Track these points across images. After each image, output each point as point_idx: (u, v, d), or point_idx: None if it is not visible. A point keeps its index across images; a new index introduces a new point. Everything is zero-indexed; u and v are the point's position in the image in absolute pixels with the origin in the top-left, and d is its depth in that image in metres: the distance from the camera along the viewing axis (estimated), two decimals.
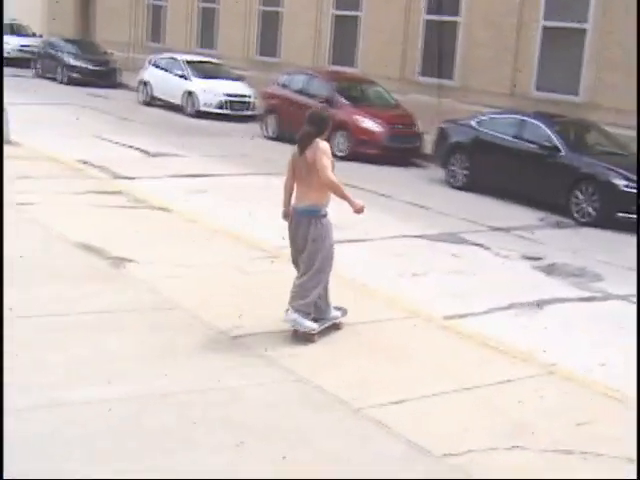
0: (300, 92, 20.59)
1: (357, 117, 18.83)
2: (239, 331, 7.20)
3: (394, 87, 21.78)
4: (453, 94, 21.49)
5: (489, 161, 16.12)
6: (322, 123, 7.17)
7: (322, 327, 7.30)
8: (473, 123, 16.80)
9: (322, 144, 7.08)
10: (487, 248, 11.71)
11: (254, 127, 21.82)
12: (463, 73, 21.52)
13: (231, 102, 23.86)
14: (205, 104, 23.79)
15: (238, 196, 13.47)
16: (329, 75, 21.49)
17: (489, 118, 16.80)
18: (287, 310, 7.23)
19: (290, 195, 7.36)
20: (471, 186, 16.20)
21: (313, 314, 7.23)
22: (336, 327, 7.55)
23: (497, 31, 20.50)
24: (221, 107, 23.79)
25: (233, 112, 23.84)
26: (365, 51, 24.25)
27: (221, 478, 4.84)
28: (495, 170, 15.96)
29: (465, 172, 16.41)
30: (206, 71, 25.11)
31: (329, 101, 19.24)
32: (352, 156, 17.71)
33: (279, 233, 11.04)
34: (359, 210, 7.16)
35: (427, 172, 18.30)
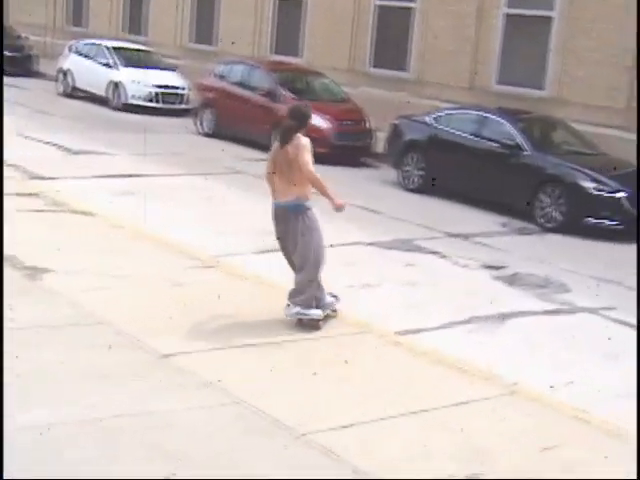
0: (239, 84, 20.57)
1: None
2: (171, 349, 7.17)
3: (343, 79, 21.87)
4: (408, 87, 21.64)
5: (446, 161, 16.25)
6: (303, 118, 8.08)
7: (325, 313, 8.22)
8: (429, 119, 16.93)
9: (303, 139, 7.93)
10: (444, 256, 11.81)
11: (188, 122, 21.74)
12: (419, 65, 21.69)
13: (162, 94, 23.74)
14: (133, 96, 23.63)
15: (171, 199, 13.41)
16: (271, 65, 21.51)
17: (447, 114, 16.96)
18: (288, 305, 8.11)
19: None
20: (427, 188, 16.33)
21: (315, 304, 8.10)
22: (332, 312, 8.42)
23: (455, 19, 20.70)
24: (151, 100, 23.66)
25: (164, 105, 23.72)
26: (311, 39, 24.32)
27: None
28: (453, 171, 16.09)
29: (420, 173, 16.52)
30: (134, 59, 24.95)
31: (271, 94, 19.29)
32: None
33: (216, 240, 11.06)
34: (339, 207, 8.03)
35: (379, 173, 18.39)
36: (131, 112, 23.20)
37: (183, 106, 23.83)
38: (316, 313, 8.08)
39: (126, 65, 24.39)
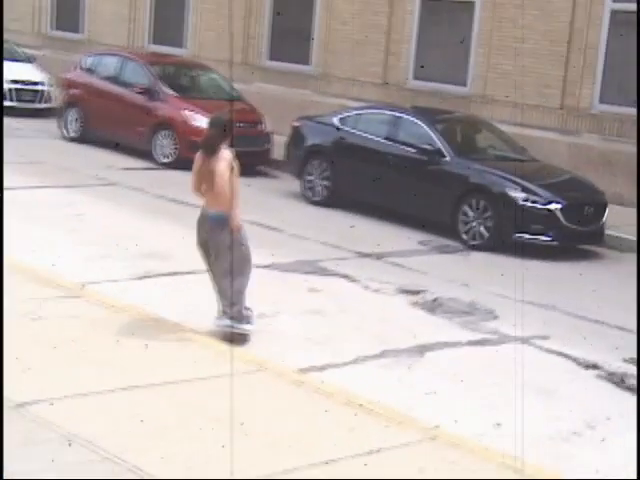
0: (111, 80, 20.41)
1: (186, 113, 18.79)
2: (27, 396, 7.03)
3: (235, 74, 21.89)
4: (311, 84, 21.77)
5: (356, 169, 16.35)
6: (225, 127, 9.35)
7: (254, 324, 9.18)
8: (335, 121, 17.03)
9: (225, 152, 9.06)
10: (354, 280, 11.89)
11: (50, 125, 21.48)
12: (323, 57, 21.82)
13: (17, 91, 23.40)
14: None
15: (30, 216, 13.21)
16: (149, 58, 21.42)
17: (355, 114, 17.09)
18: (219, 317, 9.02)
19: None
20: (333, 201, 16.42)
21: (244, 316, 9.03)
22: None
23: (364, 4, 20.91)
24: (4, 98, 23.31)
25: (20, 104, 23.36)
26: (196, 28, 24.27)
27: None
28: (363, 181, 16.18)
29: (326, 183, 16.61)
30: None
31: (150, 92, 19.19)
32: (180, 163, 17.65)
33: (84, 265, 10.92)
34: (235, 228, 8.84)
35: (278, 183, 18.45)
36: None
37: (43, 105, 23.57)
38: (247, 327, 9.06)
39: None
